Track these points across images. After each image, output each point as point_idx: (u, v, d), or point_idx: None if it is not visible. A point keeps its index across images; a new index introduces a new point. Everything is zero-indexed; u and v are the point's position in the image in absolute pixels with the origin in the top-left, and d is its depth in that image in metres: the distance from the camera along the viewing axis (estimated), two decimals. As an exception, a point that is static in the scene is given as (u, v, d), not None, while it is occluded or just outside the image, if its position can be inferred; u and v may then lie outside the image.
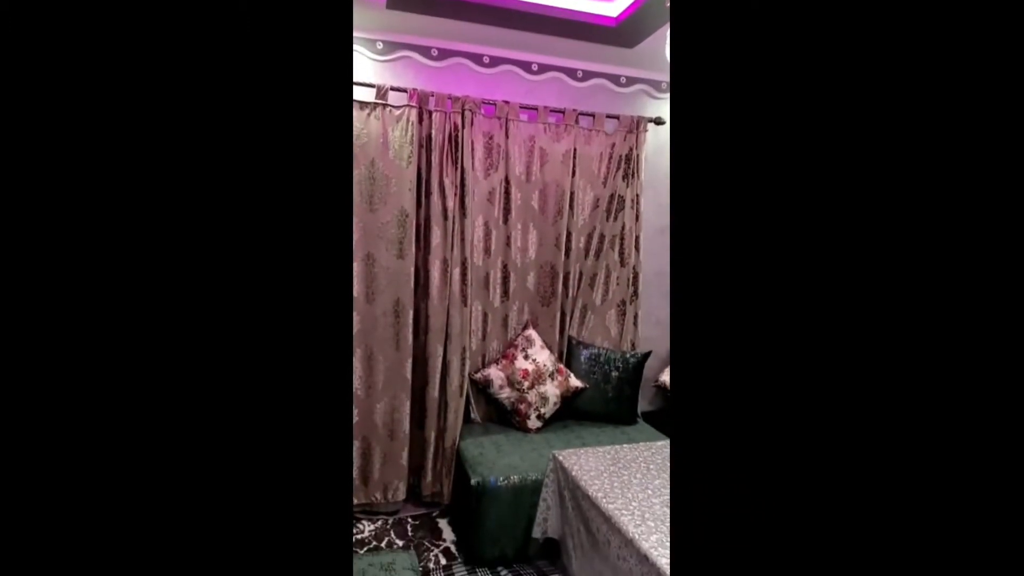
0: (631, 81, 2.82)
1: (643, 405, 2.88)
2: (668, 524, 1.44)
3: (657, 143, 2.86)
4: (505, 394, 2.51)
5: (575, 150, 2.67)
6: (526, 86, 2.68)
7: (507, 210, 2.63)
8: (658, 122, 2.79)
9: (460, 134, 2.44)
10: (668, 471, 1.79)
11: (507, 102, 2.56)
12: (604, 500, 1.58)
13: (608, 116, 2.71)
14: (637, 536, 1.39)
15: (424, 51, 2.53)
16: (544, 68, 2.70)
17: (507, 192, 2.62)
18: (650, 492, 1.64)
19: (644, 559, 1.32)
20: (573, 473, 1.77)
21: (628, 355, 2.64)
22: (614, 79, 2.80)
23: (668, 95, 2.87)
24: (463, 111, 2.44)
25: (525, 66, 2.67)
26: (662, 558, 1.29)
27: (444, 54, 2.56)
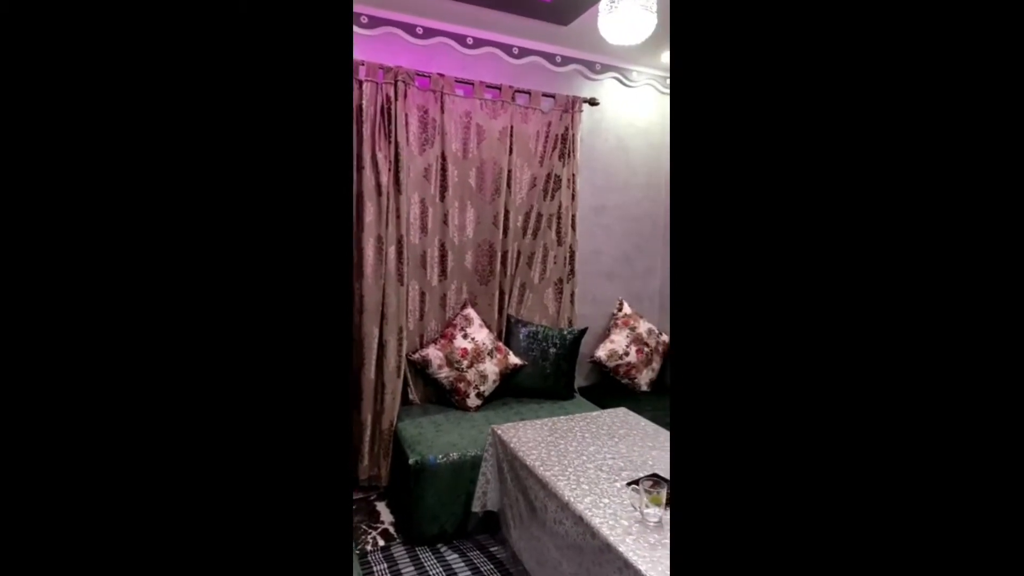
0: (566, 61, 2.84)
1: (579, 380, 2.96)
2: (601, 485, 1.49)
3: (592, 123, 2.90)
4: (444, 374, 2.49)
5: (512, 128, 2.66)
6: (461, 60, 2.63)
7: (444, 187, 2.58)
8: (592, 103, 2.83)
9: (393, 106, 2.35)
10: (601, 438, 1.85)
11: (442, 75, 2.50)
12: (541, 468, 1.61)
13: (544, 95, 2.72)
14: (573, 499, 1.42)
15: (354, 18, 2.41)
16: (480, 43, 2.65)
17: (444, 169, 2.57)
18: (585, 458, 1.69)
19: (579, 520, 1.36)
20: (512, 445, 1.78)
21: (565, 332, 2.69)
22: (549, 58, 2.81)
23: (602, 76, 2.91)
24: (396, 82, 2.35)
25: (460, 39, 2.62)
26: (596, 518, 1.33)
27: (375, 22, 2.46)
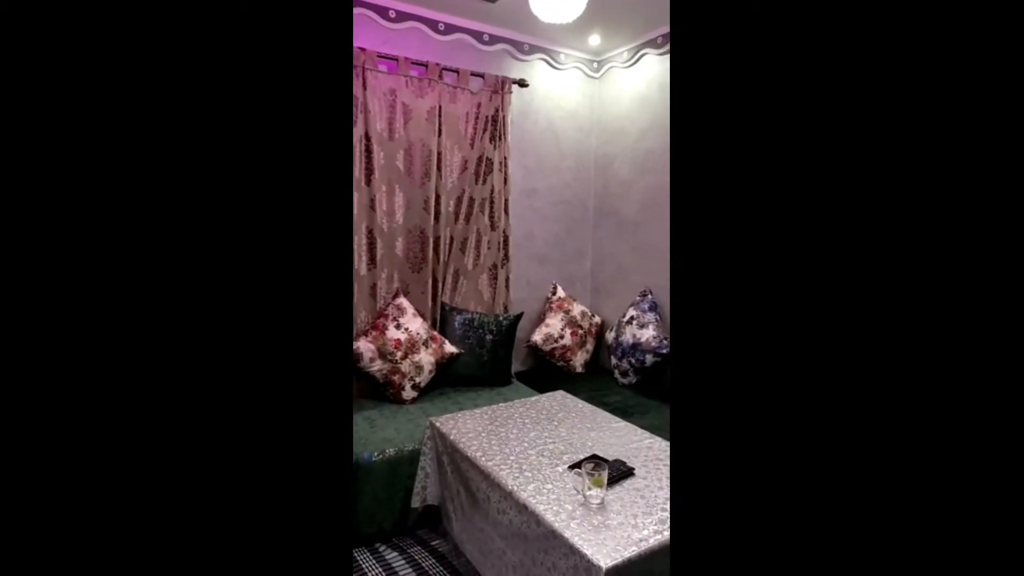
0: (494, 40, 2.76)
1: (516, 366, 2.96)
2: (543, 471, 1.49)
3: (522, 105, 2.86)
4: (376, 367, 2.38)
5: (440, 108, 2.55)
6: (383, 34, 2.47)
7: (369, 170, 2.44)
8: (522, 84, 2.78)
9: (309, 81, 2.17)
10: (541, 423, 1.85)
11: (363, 49, 2.33)
12: (483, 459, 1.58)
13: (473, 74, 2.63)
14: (516, 488, 1.40)
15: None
16: (403, 16, 2.50)
17: (368, 150, 2.42)
18: (526, 444, 1.68)
19: (523, 508, 1.35)
20: (451, 437, 1.73)
21: (501, 318, 2.66)
22: (477, 36, 2.71)
23: (530, 58, 2.87)
24: (311, 55, 2.16)
25: (382, 11, 2.45)
26: (540, 505, 1.32)
27: (284, -13, 2.23)
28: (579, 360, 2.97)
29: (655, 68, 2.74)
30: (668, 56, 2.65)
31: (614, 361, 2.83)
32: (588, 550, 1.14)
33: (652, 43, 2.74)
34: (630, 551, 1.14)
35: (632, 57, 2.85)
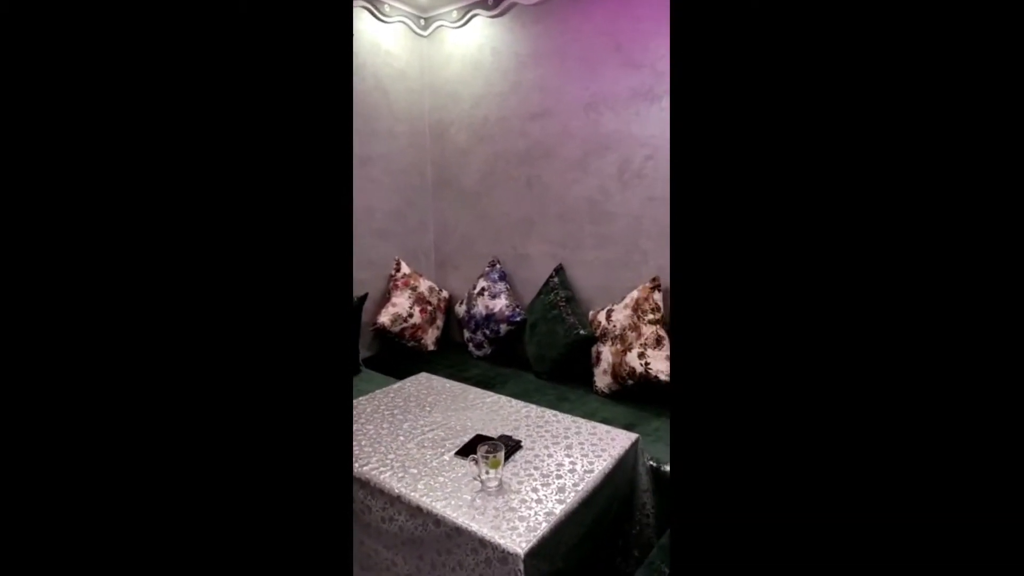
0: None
1: (363, 352, 2.70)
2: (430, 464, 1.36)
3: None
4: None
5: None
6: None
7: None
8: (344, 34, 2.43)
9: None
10: (412, 411, 1.70)
11: None
12: (357, 465, 1.37)
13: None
14: (404, 491, 1.25)
15: None
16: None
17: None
18: (403, 438, 1.51)
19: (417, 511, 1.20)
20: (309, 446, 1.47)
21: (343, 301, 2.36)
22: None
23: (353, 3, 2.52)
24: None
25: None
26: (436, 503, 1.20)
27: None
28: (430, 338, 2.84)
29: (487, 31, 2.66)
30: (501, 19, 2.59)
31: (467, 335, 2.78)
32: (500, 539, 1.07)
33: (483, 4, 2.64)
34: (542, 528, 1.10)
35: (462, 18, 2.72)
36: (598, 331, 2.25)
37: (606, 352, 2.18)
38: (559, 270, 2.51)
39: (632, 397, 2.11)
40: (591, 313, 2.35)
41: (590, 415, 1.94)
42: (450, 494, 1.23)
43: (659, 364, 1.99)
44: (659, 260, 2.20)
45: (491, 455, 1.26)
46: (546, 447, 1.45)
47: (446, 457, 1.40)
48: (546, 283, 2.52)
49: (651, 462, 1.63)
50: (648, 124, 2.16)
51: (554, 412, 1.69)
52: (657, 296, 2.12)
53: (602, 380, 2.18)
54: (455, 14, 2.75)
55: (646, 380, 2.01)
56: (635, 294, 2.18)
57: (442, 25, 2.83)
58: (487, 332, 2.68)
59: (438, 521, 1.16)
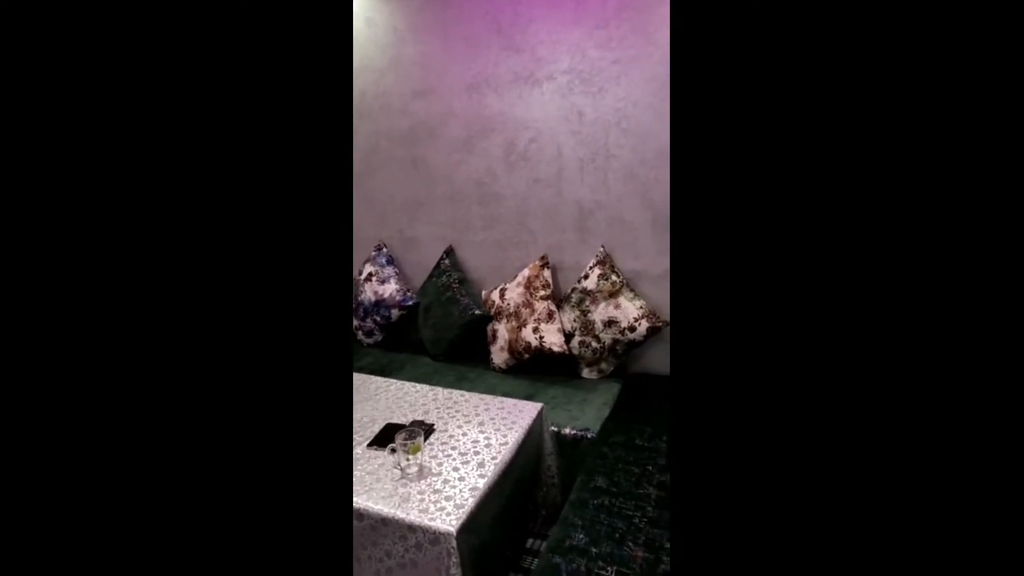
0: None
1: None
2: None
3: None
4: None
5: None
6: None
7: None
8: None
9: None
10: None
11: None
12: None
13: None
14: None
15: None
16: None
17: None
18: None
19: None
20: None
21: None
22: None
23: None
24: None
25: None
26: (359, 497, 1.16)
27: None
28: (314, 329, 2.66)
29: (361, 1, 2.50)
30: (374, -12, 2.45)
31: (356, 322, 2.66)
32: (429, 521, 1.09)
33: (352, -31, 2.47)
34: (469, 504, 1.14)
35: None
36: (492, 310, 2.32)
37: (502, 329, 2.26)
38: (449, 252, 2.51)
39: (527, 370, 2.23)
40: (484, 293, 2.41)
41: (491, 390, 2.02)
42: (370, 487, 1.21)
43: (552, 337, 2.12)
44: (547, 239, 2.33)
45: (410, 441, 1.25)
46: (459, 426, 1.49)
47: (359, 450, 1.36)
48: (437, 265, 2.51)
49: (553, 428, 1.75)
50: (532, 107, 2.24)
51: (461, 392, 1.72)
52: (547, 273, 2.24)
53: (499, 357, 2.27)
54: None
55: (540, 353, 2.14)
56: (526, 272, 2.28)
57: (306, -12, 2.58)
58: (377, 319, 2.60)
59: (361, 515, 1.14)
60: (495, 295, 2.34)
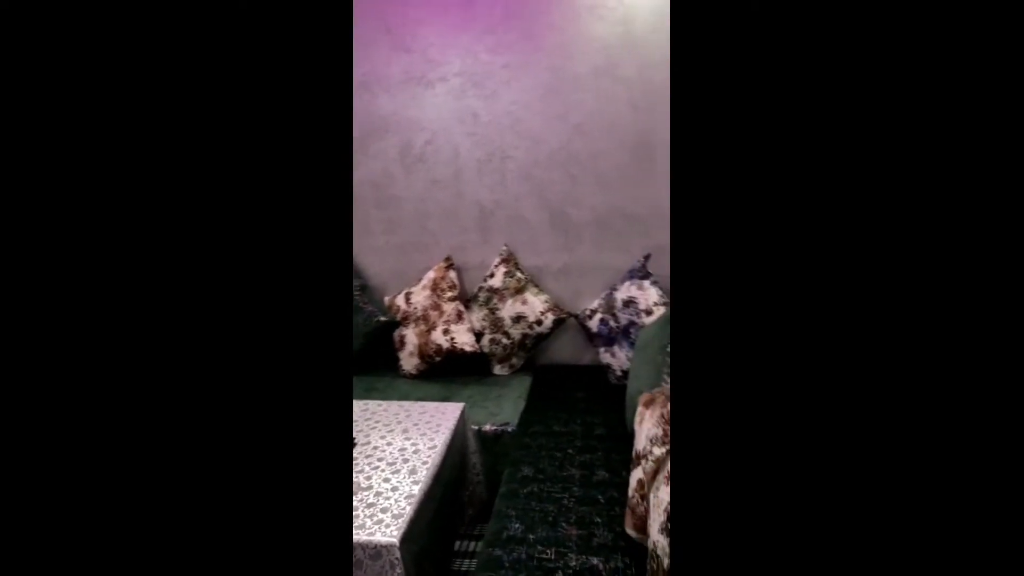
0: None
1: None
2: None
3: None
4: None
5: None
6: None
7: None
8: None
9: None
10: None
11: None
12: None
13: None
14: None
15: None
16: None
17: None
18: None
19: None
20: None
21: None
22: None
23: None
24: None
25: None
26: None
27: None
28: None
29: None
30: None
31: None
32: (368, 536, 1.05)
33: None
34: (408, 513, 1.12)
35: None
36: (399, 315, 2.27)
37: (410, 334, 2.22)
38: (347, 258, 2.40)
39: (439, 372, 2.21)
40: (387, 299, 2.34)
41: (404, 397, 1.97)
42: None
43: (463, 336, 2.14)
44: (449, 240, 2.33)
45: (335, 458, 1.19)
46: (382, 437, 1.44)
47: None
48: (334, 273, 2.39)
49: (474, 426, 1.77)
50: (425, 108, 2.23)
51: (378, 402, 1.67)
52: (452, 274, 2.25)
53: (409, 362, 2.22)
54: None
55: (452, 353, 2.14)
56: (431, 275, 2.26)
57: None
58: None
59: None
60: (400, 300, 2.29)
